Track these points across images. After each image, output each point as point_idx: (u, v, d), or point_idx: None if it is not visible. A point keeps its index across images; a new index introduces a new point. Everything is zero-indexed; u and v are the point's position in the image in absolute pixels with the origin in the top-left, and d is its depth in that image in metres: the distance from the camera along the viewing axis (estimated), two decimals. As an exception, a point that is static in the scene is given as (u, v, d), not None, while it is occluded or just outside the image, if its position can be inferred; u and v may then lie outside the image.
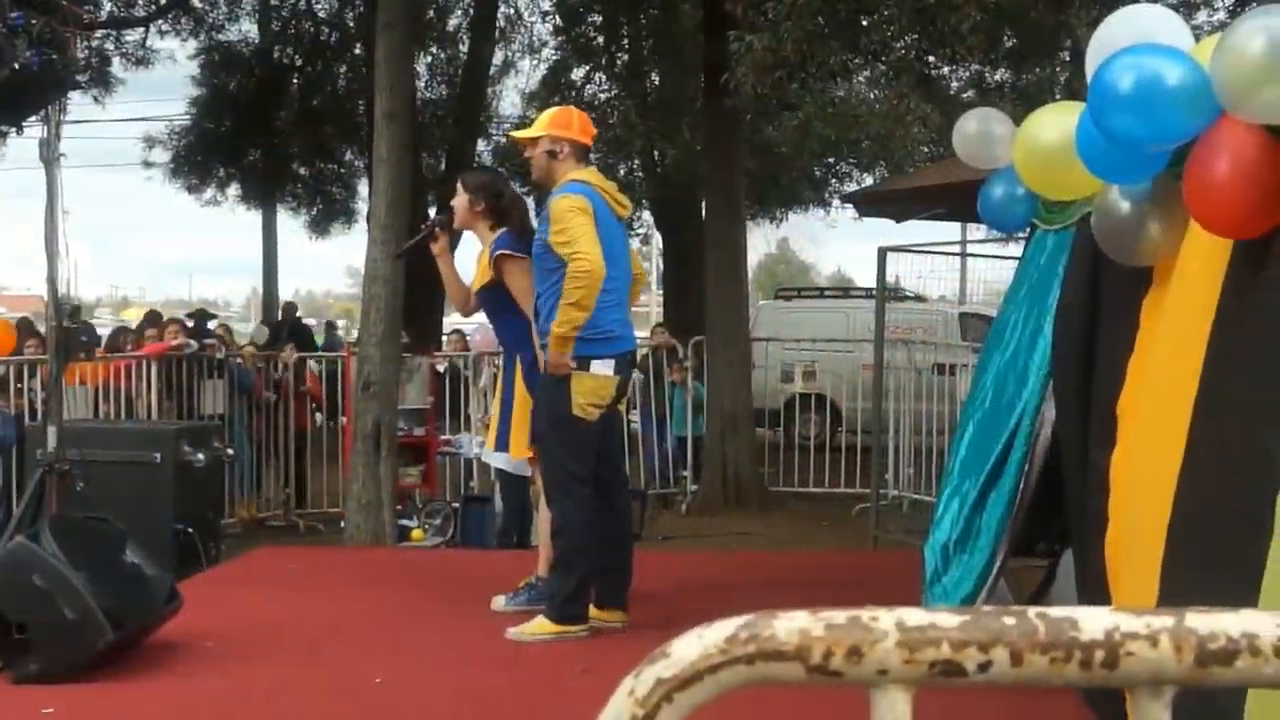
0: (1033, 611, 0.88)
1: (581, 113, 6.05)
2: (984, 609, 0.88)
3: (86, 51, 14.37)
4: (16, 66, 5.19)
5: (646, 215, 20.19)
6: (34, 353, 8.95)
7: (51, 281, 6.00)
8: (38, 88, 5.50)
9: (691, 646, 0.88)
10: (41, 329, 9.70)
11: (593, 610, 5.74)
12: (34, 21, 5.31)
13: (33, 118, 6.05)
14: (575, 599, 5.59)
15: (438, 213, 5.87)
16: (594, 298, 5.44)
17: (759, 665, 0.87)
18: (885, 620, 0.87)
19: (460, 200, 6.30)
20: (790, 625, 0.87)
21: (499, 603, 6.13)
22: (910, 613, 0.87)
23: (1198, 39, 3.72)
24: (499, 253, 6.09)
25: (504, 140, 18.41)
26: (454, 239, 6.37)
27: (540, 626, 5.57)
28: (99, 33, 15.67)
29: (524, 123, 17.25)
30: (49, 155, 5.87)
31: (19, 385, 8.64)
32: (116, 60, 17.32)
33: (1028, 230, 5.40)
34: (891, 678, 0.87)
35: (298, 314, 19.76)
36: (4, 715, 4.49)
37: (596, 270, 5.42)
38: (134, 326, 13.09)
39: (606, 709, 0.89)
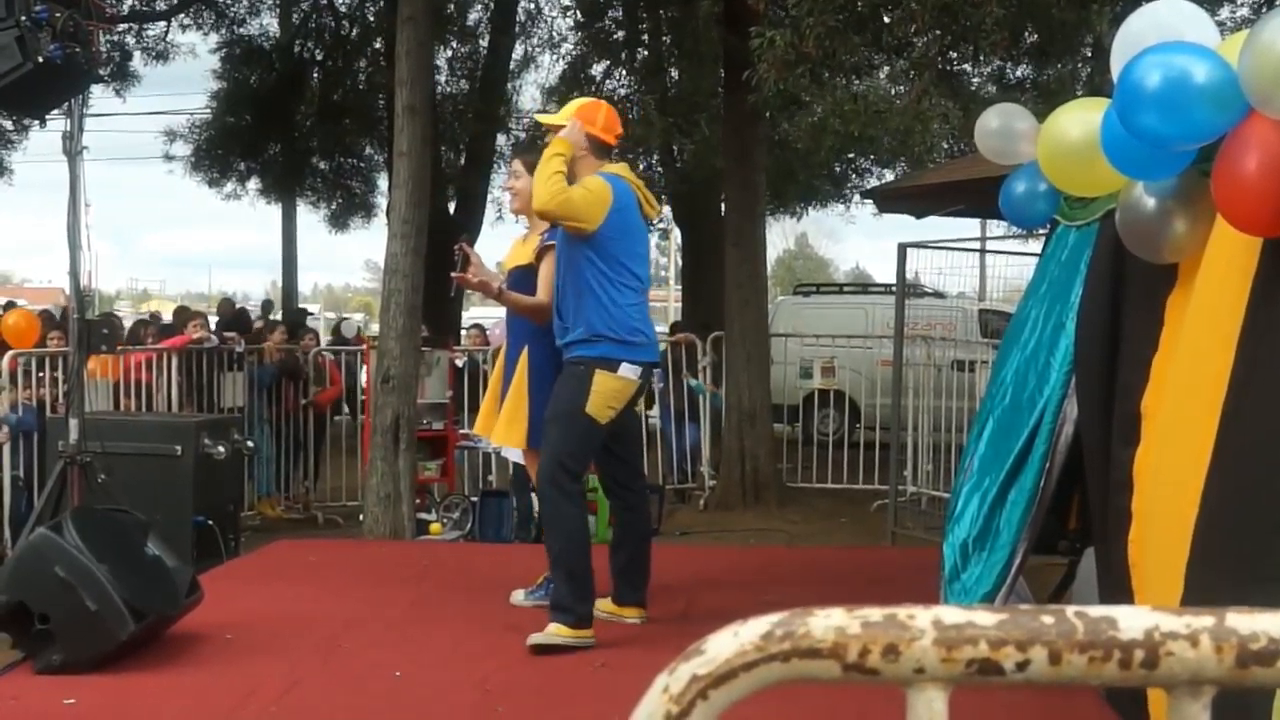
0: (1071, 610, 0.87)
1: (611, 109, 5.91)
2: (1022, 608, 0.87)
3: (108, 45, 14.42)
4: (40, 60, 5.21)
5: (666, 210, 20.15)
6: (56, 345, 8.99)
7: (73, 274, 6.04)
8: (61, 81, 5.53)
9: (727, 643, 0.88)
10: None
11: (611, 606, 5.73)
12: (58, 15, 5.33)
13: (56, 111, 6.07)
14: (584, 599, 5.46)
15: (456, 213, 5.84)
16: (561, 210, 5.36)
17: (795, 663, 0.87)
18: (922, 618, 0.86)
19: (522, 183, 6.01)
20: (826, 623, 0.87)
21: (518, 597, 6.13)
22: (947, 611, 0.87)
23: (1222, 35, 3.69)
24: (552, 242, 5.91)
25: (524, 135, 18.40)
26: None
27: (558, 631, 5.42)
28: (120, 27, 15.73)
29: (493, 108, 17.15)
30: (72, 148, 5.91)
31: (40, 375, 8.67)
32: (137, 54, 17.41)
33: (1048, 226, 5.38)
34: (928, 676, 0.86)
35: (238, 306, 19.32)
36: (27, 705, 4.51)
37: (578, 202, 5.37)
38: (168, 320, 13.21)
39: (641, 705, 0.88)
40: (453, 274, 6.00)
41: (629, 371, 5.50)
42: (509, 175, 6.32)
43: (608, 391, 5.47)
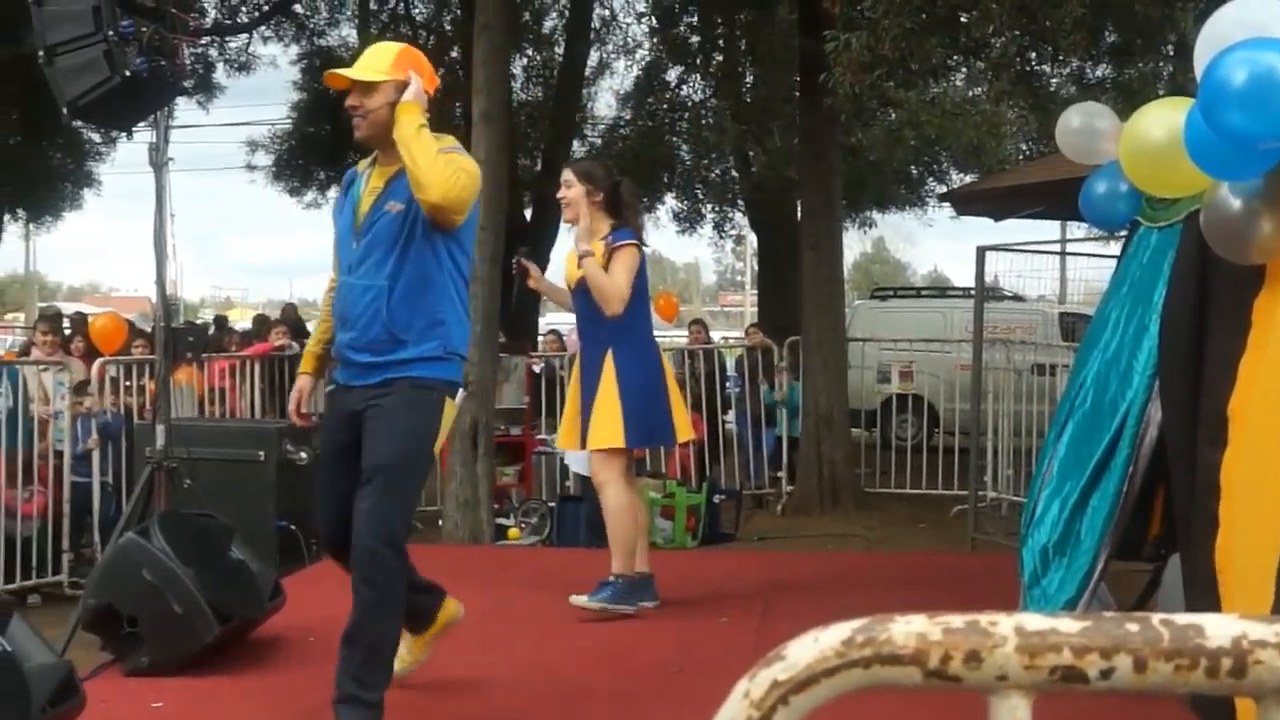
0: (1156, 618, 0.86)
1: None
2: (1106, 615, 0.86)
3: (192, 58, 14.66)
4: (127, 73, 5.32)
5: (740, 217, 20.14)
6: (141, 353, 9.18)
7: (160, 282, 6.15)
8: (147, 94, 5.63)
9: (807, 649, 0.88)
10: (148, 329, 9.94)
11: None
12: (144, 29, 5.44)
13: (141, 123, 6.19)
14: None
15: (528, 229, 5.84)
16: (469, 191, 4.22)
17: (875, 669, 0.87)
18: (1005, 625, 0.86)
19: (574, 192, 5.98)
20: (908, 629, 0.86)
21: (580, 600, 6.07)
22: (1030, 617, 0.86)
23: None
24: (625, 243, 5.91)
25: (600, 141, 18.46)
26: (541, 259, 6.11)
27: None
28: (203, 40, 16.01)
29: (568, 114, 16.79)
30: (157, 159, 6.02)
31: (127, 384, 8.86)
32: (220, 66, 17.71)
33: (1128, 227, 5.30)
34: (1011, 683, 0.86)
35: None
36: (116, 707, 4.60)
37: (474, 184, 4.27)
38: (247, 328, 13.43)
39: (722, 710, 0.88)
40: (516, 258, 6.14)
41: (460, 397, 4.49)
42: (561, 185, 6.12)
43: (448, 423, 4.40)
